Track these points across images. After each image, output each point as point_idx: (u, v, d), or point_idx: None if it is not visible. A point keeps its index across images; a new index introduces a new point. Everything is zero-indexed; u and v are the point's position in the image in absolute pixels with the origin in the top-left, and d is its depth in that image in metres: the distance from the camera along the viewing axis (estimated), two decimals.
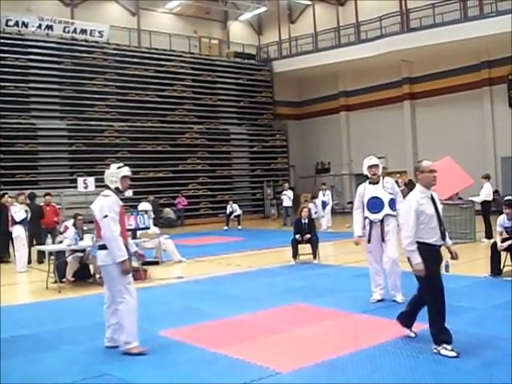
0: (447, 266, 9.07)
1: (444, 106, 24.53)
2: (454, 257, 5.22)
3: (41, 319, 7.10)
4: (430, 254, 4.91)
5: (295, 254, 11.23)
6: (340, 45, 26.92)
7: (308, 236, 11.14)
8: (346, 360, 4.83)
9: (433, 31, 22.11)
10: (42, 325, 6.71)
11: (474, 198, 13.39)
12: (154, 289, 9.02)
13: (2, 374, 4.76)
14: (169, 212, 23.47)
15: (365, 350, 5.06)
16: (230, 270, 10.83)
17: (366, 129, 27.75)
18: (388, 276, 7.07)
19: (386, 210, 6.97)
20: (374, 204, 7.00)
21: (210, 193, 26.14)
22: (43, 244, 12.41)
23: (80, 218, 10.31)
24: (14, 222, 12.00)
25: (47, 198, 13.98)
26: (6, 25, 22.43)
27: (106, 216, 5.25)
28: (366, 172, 7.19)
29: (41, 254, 12.47)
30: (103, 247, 5.34)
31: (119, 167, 5.53)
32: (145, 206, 14.53)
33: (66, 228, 10.24)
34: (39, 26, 23.16)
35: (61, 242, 10.23)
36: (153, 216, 14.32)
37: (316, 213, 18.43)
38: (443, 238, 5.05)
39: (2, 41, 21.63)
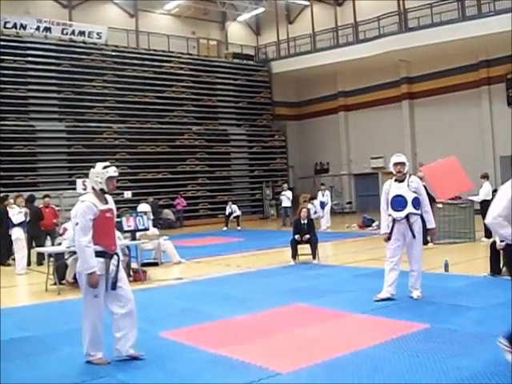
0: (446, 265, 9.12)
1: (442, 106, 24.55)
2: None
3: (40, 321, 7.09)
4: None
5: (295, 255, 11.22)
6: (338, 45, 26.94)
7: (307, 236, 11.13)
8: (346, 360, 4.82)
9: (431, 31, 22.14)
10: (41, 327, 6.70)
11: (474, 198, 13.40)
12: (153, 290, 9.02)
13: (2, 377, 4.75)
14: (168, 213, 23.47)
15: (365, 350, 5.05)
16: (230, 270, 10.83)
17: (364, 129, 27.79)
18: (410, 274, 7.12)
19: (409, 208, 6.96)
20: (398, 202, 7.00)
21: (209, 194, 26.16)
22: (43, 246, 12.40)
23: None
24: (13, 225, 11.99)
25: (46, 199, 13.98)
26: (5, 27, 22.44)
27: (76, 224, 4.90)
28: (391, 169, 7.16)
29: (40, 255, 12.44)
30: None
31: (105, 167, 5.15)
32: (144, 207, 14.54)
33: (65, 230, 10.23)
34: (37, 28, 23.18)
35: (60, 244, 10.22)
36: (152, 217, 14.34)
37: (316, 213, 18.43)
38: None
39: (0, 43, 21.62)
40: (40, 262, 12.60)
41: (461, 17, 22.18)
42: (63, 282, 9.64)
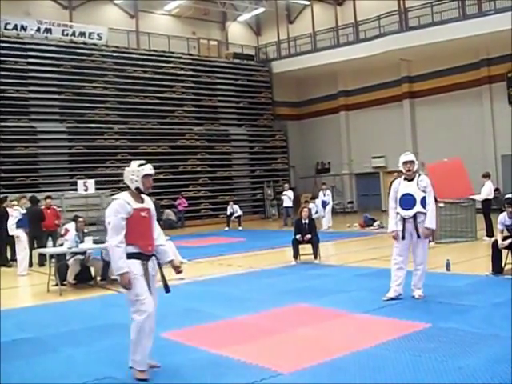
0: (448, 265, 9.11)
1: (443, 105, 24.53)
2: None
3: (42, 322, 7.09)
4: None
5: (296, 255, 11.21)
6: (339, 44, 26.90)
7: (309, 236, 11.13)
8: (348, 360, 4.82)
9: (431, 30, 22.11)
10: (43, 328, 6.70)
11: (475, 197, 13.39)
12: None
13: (3, 378, 4.76)
14: (169, 213, 23.48)
15: (366, 350, 5.05)
16: (231, 270, 10.83)
17: (365, 128, 27.77)
18: (414, 273, 7.12)
19: (418, 207, 6.96)
20: (407, 201, 6.99)
21: (210, 194, 26.15)
22: (44, 247, 12.39)
23: (80, 220, 10.30)
24: (17, 226, 12.04)
25: (48, 200, 13.98)
26: (5, 28, 22.44)
27: (109, 223, 4.64)
28: (401, 168, 7.16)
29: (42, 256, 12.46)
30: None
31: (141, 164, 4.80)
32: None
33: (67, 231, 10.23)
34: (38, 30, 23.18)
35: (62, 245, 10.23)
36: None
37: (317, 212, 18.44)
38: None
39: (1, 44, 21.64)
40: (42, 263, 12.62)
41: (461, 16, 22.15)
42: (65, 282, 9.66)
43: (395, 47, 23.26)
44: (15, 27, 22.73)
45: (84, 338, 6.08)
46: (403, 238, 7.00)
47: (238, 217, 21.51)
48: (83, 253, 9.87)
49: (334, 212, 22.62)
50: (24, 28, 22.90)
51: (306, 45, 28.41)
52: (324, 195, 19.24)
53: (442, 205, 12.96)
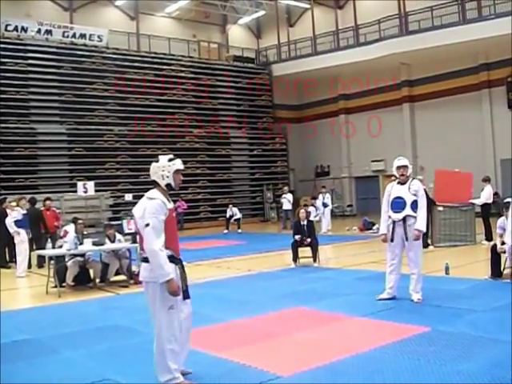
0: (447, 268, 9.11)
1: (443, 109, 24.56)
2: None
3: (41, 324, 7.08)
4: None
5: (295, 258, 11.22)
6: (339, 48, 26.98)
7: (308, 240, 11.13)
8: (347, 363, 4.82)
9: (431, 34, 22.17)
10: (42, 329, 6.69)
11: (475, 201, 13.41)
12: None
13: (3, 379, 4.75)
14: None
15: (365, 354, 5.05)
16: (230, 273, 10.82)
17: (365, 132, 27.77)
18: (410, 277, 7.17)
19: (407, 210, 7.03)
20: (397, 204, 7.11)
21: (209, 196, 26.14)
22: (43, 248, 12.39)
23: (80, 222, 10.30)
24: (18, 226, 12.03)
25: (47, 202, 13.97)
26: (6, 30, 22.50)
27: (147, 225, 4.19)
28: (394, 172, 7.27)
29: (41, 258, 12.46)
30: (146, 260, 4.29)
31: (171, 159, 4.42)
32: None
33: (66, 232, 10.23)
34: (38, 31, 23.22)
35: (61, 247, 10.22)
36: None
37: (317, 215, 18.45)
38: None
39: (1, 45, 21.68)
40: (40, 265, 12.61)
41: (461, 20, 22.22)
42: (64, 284, 9.65)
43: (395, 51, 23.32)
44: (16, 28, 22.77)
45: (83, 339, 6.08)
46: (391, 240, 7.11)
47: (238, 219, 21.49)
48: (82, 255, 9.87)
49: (334, 215, 22.63)
50: (24, 29, 22.95)
51: (307, 48, 28.49)
52: (324, 198, 19.26)
53: (441, 208, 12.99)
